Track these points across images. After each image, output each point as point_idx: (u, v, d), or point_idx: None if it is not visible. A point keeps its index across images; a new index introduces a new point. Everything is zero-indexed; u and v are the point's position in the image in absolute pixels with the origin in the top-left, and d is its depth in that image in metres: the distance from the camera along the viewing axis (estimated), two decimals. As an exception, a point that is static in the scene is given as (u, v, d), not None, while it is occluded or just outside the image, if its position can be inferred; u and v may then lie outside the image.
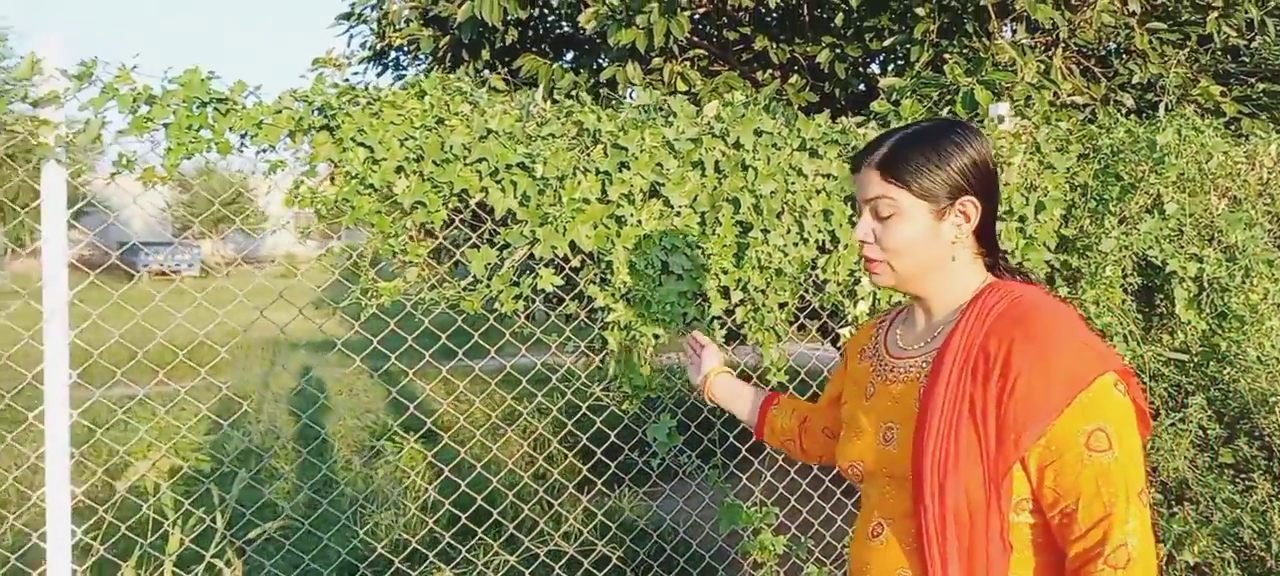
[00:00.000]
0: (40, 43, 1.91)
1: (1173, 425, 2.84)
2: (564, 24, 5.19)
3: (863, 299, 2.79)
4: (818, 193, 2.71)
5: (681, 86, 4.69)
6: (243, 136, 2.06)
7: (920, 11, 3.95)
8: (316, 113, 2.14)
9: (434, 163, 2.24)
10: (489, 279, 2.36)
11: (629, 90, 4.72)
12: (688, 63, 4.76)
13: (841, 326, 2.84)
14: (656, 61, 4.74)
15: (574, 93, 4.69)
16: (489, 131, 2.31)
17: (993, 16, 3.83)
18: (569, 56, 5.58)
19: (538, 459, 5.47)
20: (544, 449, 6.01)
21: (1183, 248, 3.06)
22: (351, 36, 6.16)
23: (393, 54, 6.29)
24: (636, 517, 4.51)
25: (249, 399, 8.45)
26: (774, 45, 4.56)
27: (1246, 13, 4.50)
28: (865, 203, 1.40)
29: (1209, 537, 2.56)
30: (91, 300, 2.38)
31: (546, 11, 5.19)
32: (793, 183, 2.66)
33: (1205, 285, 3.04)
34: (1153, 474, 2.78)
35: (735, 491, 2.85)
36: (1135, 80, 4.55)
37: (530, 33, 5.32)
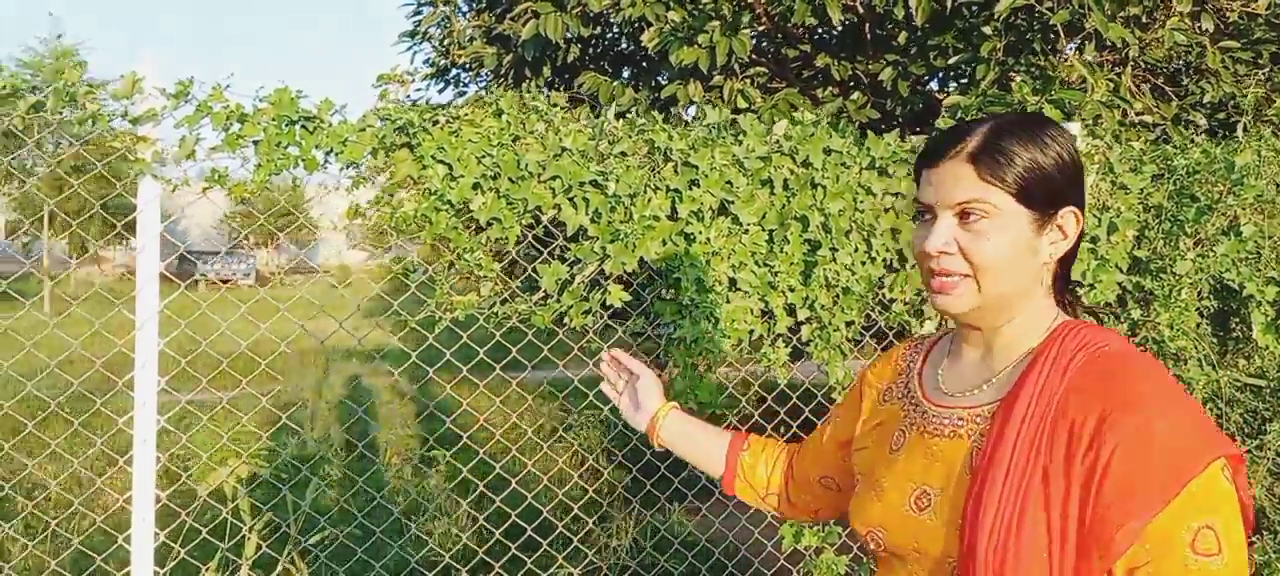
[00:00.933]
0: (143, 63, 1.99)
1: (1249, 452, 2.78)
2: (625, 42, 5.24)
3: (930, 319, 2.78)
4: (886, 211, 2.70)
5: (742, 104, 4.71)
6: (328, 153, 2.12)
7: (987, 30, 3.93)
8: (398, 131, 2.19)
9: (510, 180, 2.28)
10: (559, 294, 2.40)
11: (689, 107, 4.75)
12: (748, 81, 4.78)
13: (908, 346, 2.83)
14: (717, 79, 4.77)
15: (635, 109, 4.74)
16: (563, 149, 2.35)
17: (1062, 35, 3.79)
18: (627, 74, 5.64)
19: (600, 469, 5.51)
20: (591, 461, 6.05)
21: (1260, 270, 2.99)
22: (414, 53, 6.29)
23: (455, 71, 6.41)
24: (699, 533, 4.50)
25: (304, 404, 8.62)
26: (836, 62, 4.56)
27: (1324, 30, 4.39)
28: (950, 206, 1.12)
29: (1290, 569, 2.50)
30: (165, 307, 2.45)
31: (608, 30, 5.25)
32: (861, 201, 2.66)
33: (1285, 309, 2.96)
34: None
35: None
36: (1207, 99, 4.47)
37: (590, 50, 5.39)
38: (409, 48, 6.52)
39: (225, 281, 28.50)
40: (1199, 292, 2.89)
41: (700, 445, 1.55)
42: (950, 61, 4.14)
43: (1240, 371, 3.02)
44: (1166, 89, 4.30)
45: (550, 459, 6.23)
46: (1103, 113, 3.66)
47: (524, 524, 3.07)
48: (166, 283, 2.25)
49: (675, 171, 2.47)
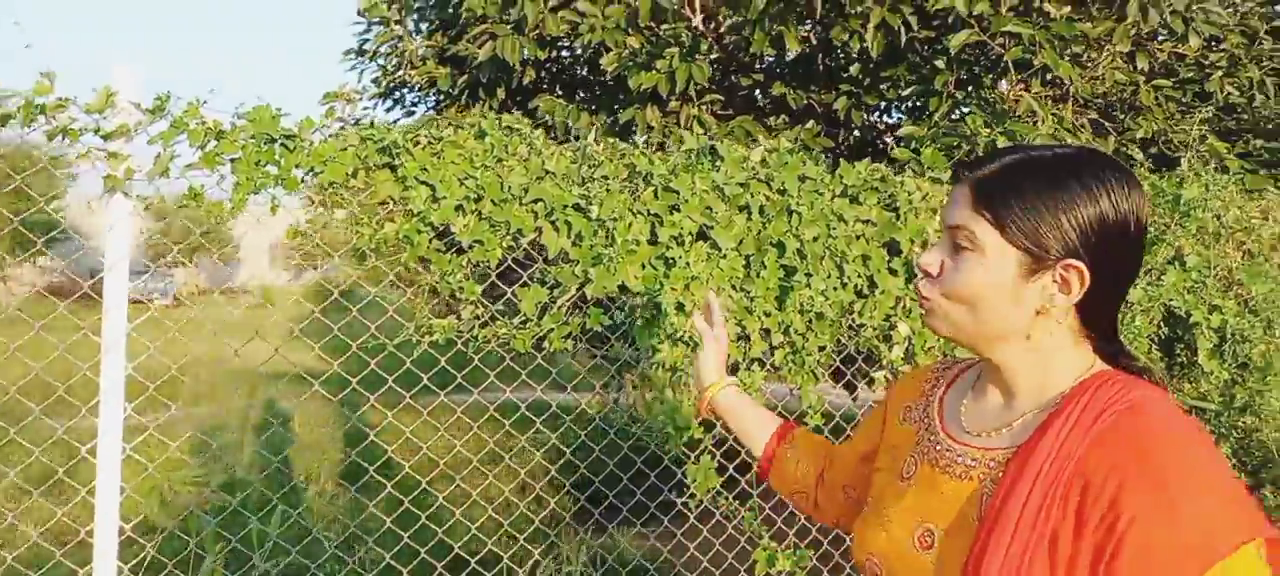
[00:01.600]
0: (117, 76, 1.92)
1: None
2: (581, 67, 5.25)
3: (898, 343, 2.83)
4: (857, 238, 2.75)
5: (697, 130, 4.75)
6: (308, 172, 2.07)
7: (940, 64, 4.04)
8: (380, 151, 2.15)
9: (493, 202, 2.26)
10: (540, 317, 2.37)
11: (646, 133, 4.77)
12: (703, 108, 4.82)
13: (876, 370, 2.87)
14: (673, 105, 4.80)
15: (593, 133, 4.74)
16: (546, 172, 2.33)
17: (1012, 70, 3.92)
18: (581, 98, 5.64)
19: (546, 496, 5.44)
20: (537, 488, 5.98)
21: (1204, 299, 3.13)
22: (361, 71, 6.19)
23: (402, 91, 6.32)
24: (647, 561, 4.48)
25: (229, 430, 8.35)
26: (791, 91, 4.63)
27: (1248, 72, 4.63)
28: (947, 227, 1.08)
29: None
30: (63, 328, 2.32)
31: (564, 54, 5.24)
32: (834, 228, 2.70)
33: (1227, 336, 3.10)
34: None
35: (771, 530, 2.86)
36: (1140, 135, 4.66)
37: (545, 74, 5.38)
38: (354, 66, 6.42)
39: (138, 301, 27.52)
40: (1151, 319, 3.01)
41: (750, 424, 1.55)
42: (904, 93, 4.25)
43: (1186, 394, 3.14)
44: (1105, 124, 4.47)
45: (495, 486, 6.15)
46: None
47: (467, 556, 3.02)
48: (82, 301, 2.17)
49: (655, 196, 2.47)
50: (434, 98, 5.94)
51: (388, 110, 6.23)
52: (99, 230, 2.32)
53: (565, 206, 2.33)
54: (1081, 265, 1.02)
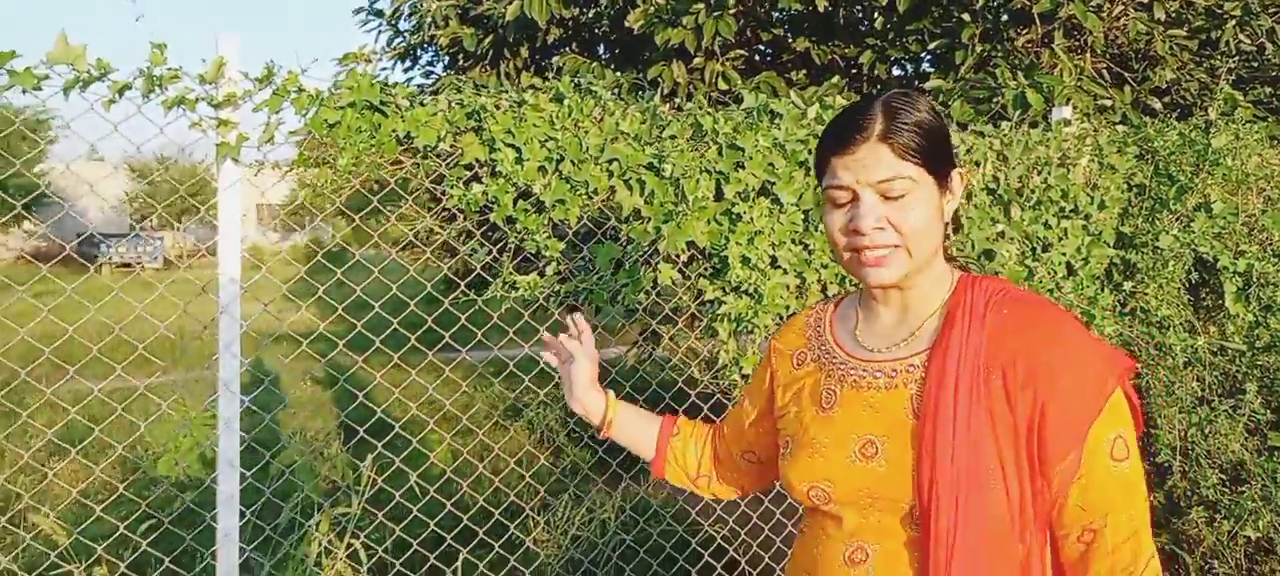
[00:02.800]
0: (225, 45, 1.99)
1: (1228, 411, 3.04)
2: (604, 23, 5.29)
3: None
4: (907, 192, 2.85)
5: (722, 86, 4.83)
6: (404, 137, 2.16)
7: (966, 17, 4.12)
8: (468, 116, 2.24)
9: (572, 163, 2.35)
10: (613, 272, 2.48)
11: (671, 88, 4.84)
12: (727, 63, 4.89)
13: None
14: (698, 61, 4.87)
15: (618, 91, 4.80)
16: (619, 133, 2.43)
17: (1037, 23, 4.00)
18: (602, 56, 5.69)
19: (565, 449, 5.59)
20: (558, 441, 6.12)
21: (1230, 245, 3.26)
22: (379, 32, 6.21)
23: (419, 51, 6.35)
24: (664, 510, 4.63)
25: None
26: (816, 47, 4.71)
27: (1260, 22, 4.73)
28: (871, 185, 1.17)
29: (1272, 515, 2.76)
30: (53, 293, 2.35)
31: (589, 11, 5.28)
32: (885, 182, 2.81)
33: (1252, 279, 3.24)
34: (1213, 458, 2.97)
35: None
36: (1154, 84, 4.77)
37: (569, 31, 5.42)
38: (370, 27, 6.44)
39: (127, 266, 27.35)
40: (1183, 265, 3.14)
41: (638, 432, 1.56)
42: (930, 46, 4.33)
43: (1212, 337, 3.28)
44: (1124, 74, 4.57)
45: (516, 440, 6.28)
46: (1074, 97, 3.90)
47: (491, 508, 3.14)
48: (50, 275, 2.19)
49: (719, 154, 2.57)
50: (449, 57, 5.97)
51: (406, 71, 6.27)
52: (81, 193, 2.40)
53: (639, 166, 2.43)
54: (961, 170, 1.25)
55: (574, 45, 5.37)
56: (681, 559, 3.37)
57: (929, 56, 4.61)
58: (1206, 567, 2.82)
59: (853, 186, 1.19)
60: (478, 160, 2.28)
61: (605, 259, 2.46)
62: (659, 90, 4.77)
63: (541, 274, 2.39)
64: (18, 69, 1.80)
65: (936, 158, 1.19)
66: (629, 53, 5.27)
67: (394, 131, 2.14)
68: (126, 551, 2.48)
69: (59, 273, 2.30)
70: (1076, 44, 4.59)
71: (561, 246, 2.36)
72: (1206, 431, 3.00)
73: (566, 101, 2.37)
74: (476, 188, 2.27)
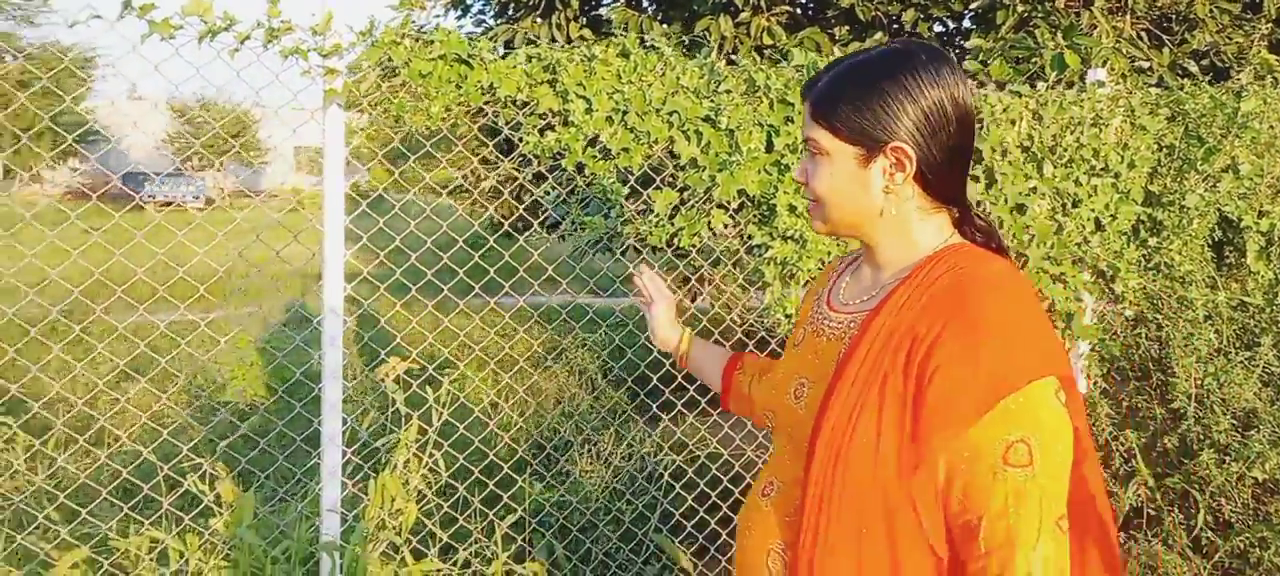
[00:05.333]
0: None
1: (1243, 363, 3.21)
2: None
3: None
4: (945, 147, 3.04)
5: (768, 40, 4.98)
6: (487, 88, 2.37)
7: (1008, -23, 4.25)
8: (544, 69, 2.45)
9: (637, 114, 2.56)
10: (670, 217, 2.70)
11: (718, 43, 5.00)
12: (773, 18, 5.04)
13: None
14: (744, 16, 5.02)
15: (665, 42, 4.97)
16: (680, 87, 2.63)
17: (1078, -15, 4.12)
18: (650, 8, 5.84)
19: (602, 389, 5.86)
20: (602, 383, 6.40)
21: (1254, 205, 3.41)
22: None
23: (467, 3, 6.53)
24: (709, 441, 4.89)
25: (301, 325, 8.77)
26: (859, 3, 4.84)
27: (1302, -15, 4.79)
28: (802, 142, 1.28)
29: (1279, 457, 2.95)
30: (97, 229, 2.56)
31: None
32: (925, 138, 2.99)
33: (1274, 238, 3.39)
34: (1225, 405, 3.15)
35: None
36: (1193, 47, 4.86)
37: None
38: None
39: (168, 204, 27.92)
40: (1208, 223, 3.30)
41: (708, 365, 1.69)
42: (972, 6, 4.46)
43: (1232, 293, 3.45)
44: (1163, 37, 4.67)
45: (558, 381, 6.56)
46: (1111, 58, 4.03)
47: (543, 442, 3.39)
48: (102, 206, 2.36)
49: (770, 108, 2.76)
50: (500, 7, 6.15)
51: (458, 19, 6.46)
52: (124, 131, 2.61)
53: (697, 118, 2.63)
54: (904, 145, 1.19)
55: (623, -3, 5.53)
56: (714, 494, 3.61)
57: (970, 15, 4.73)
58: (1215, 506, 3.02)
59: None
60: (551, 110, 2.50)
61: (664, 203, 2.68)
62: (711, 45, 4.94)
63: (606, 216, 2.61)
64: (157, 19, 2.03)
65: (856, 129, 1.19)
66: (676, 4, 5.43)
67: (479, 82, 2.36)
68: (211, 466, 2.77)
69: (105, 210, 2.49)
70: (1117, 4, 4.69)
71: (625, 191, 2.58)
72: (1222, 381, 3.18)
73: (632, 57, 2.57)
74: (551, 135, 2.49)
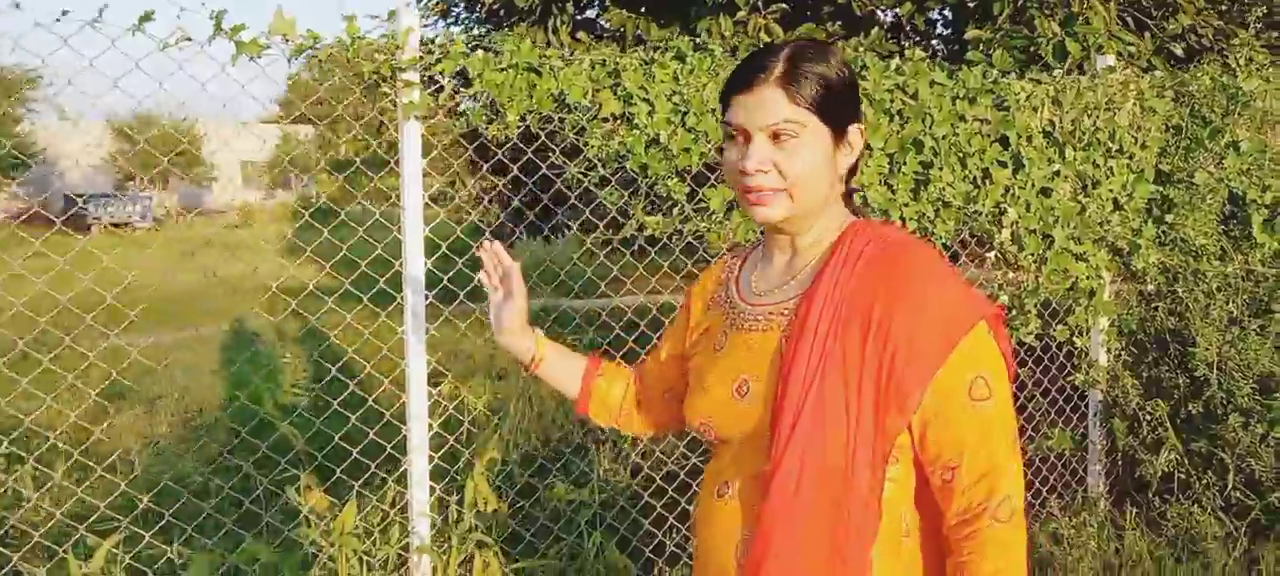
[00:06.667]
0: (405, 16, 2.24)
1: (1257, 330, 3.38)
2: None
3: (1006, 226, 3.26)
4: (975, 135, 3.14)
5: (765, 38, 5.07)
6: (557, 95, 2.42)
7: (1004, -31, 4.38)
8: (608, 74, 2.50)
9: (695, 114, 2.62)
10: (726, 214, 2.77)
11: (718, 43, 5.07)
12: (770, 16, 5.13)
13: (987, 251, 3.31)
14: (741, 15, 5.11)
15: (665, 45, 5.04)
16: (733, 87, 2.69)
17: (1071, -26, 4.27)
18: (643, 10, 5.90)
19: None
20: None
21: (1258, 180, 3.58)
22: (420, -11, 6.38)
23: (453, 7, 6.54)
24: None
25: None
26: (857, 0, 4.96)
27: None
28: (763, 128, 1.22)
29: (1298, 417, 3.11)
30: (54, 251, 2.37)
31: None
32: (957, 127, 3.10)
33: (1278, 211, 3.56)
34: (1245, 371, 3.31)
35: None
36: (1171, 30, 5.06)
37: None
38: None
39: (118, 225, 27.26)
40: (1218, 198, 3.46)
41: (565, 372, 1.58)
42: (969, 1, 4.59)
43: (1239, 264, 3.62)
44: (1147, 22, 4.86)
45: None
46: (1105, 44, 4.18)
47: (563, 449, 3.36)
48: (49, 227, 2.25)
49: (815, 104, 2.84)
50: (489, 13, 6.16)
51: (446, 26, 6.46)
52: (64, 155, 2.53)
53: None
54: (860, 124, 1.29)
55: (623, 2, 5.58)
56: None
57: (970, 7, 4.87)
58: (1242, 465, 3.17)
59: (747, 126, 1.23)
60: (613, 114, 2.55)
61: (719, 201, 2.74)
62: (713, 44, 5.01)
63: (666, 214, 2.67)
64: (245, 39, 2.04)
65: (833, 110, 1.23)
66: (674, 8, 5.49)
67: (549, 90, 2.41)
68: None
69: (49, 236, 2.36)
70: (1100, -7, 4.86)
71: (685, 189, 2.64)
72: (1238, 348, 3.34)
73: (688, 60, 2.63)
74: (616, 140, 2.54)
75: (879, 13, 5.30)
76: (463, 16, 6.45)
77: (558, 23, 5.47)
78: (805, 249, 1.30)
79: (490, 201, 5.72)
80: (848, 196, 1.35)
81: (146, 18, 1.93)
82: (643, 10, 5.62)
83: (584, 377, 1.58)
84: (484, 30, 6.18)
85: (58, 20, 1.87)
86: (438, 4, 6.31)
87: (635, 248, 2.75)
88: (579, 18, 5.80)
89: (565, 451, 3.76)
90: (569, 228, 2.84)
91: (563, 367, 1.57)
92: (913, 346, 1.17)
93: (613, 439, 4.79)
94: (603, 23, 5.65)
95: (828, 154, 1.25)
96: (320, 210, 2.86)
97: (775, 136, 1.22)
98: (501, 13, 5.92)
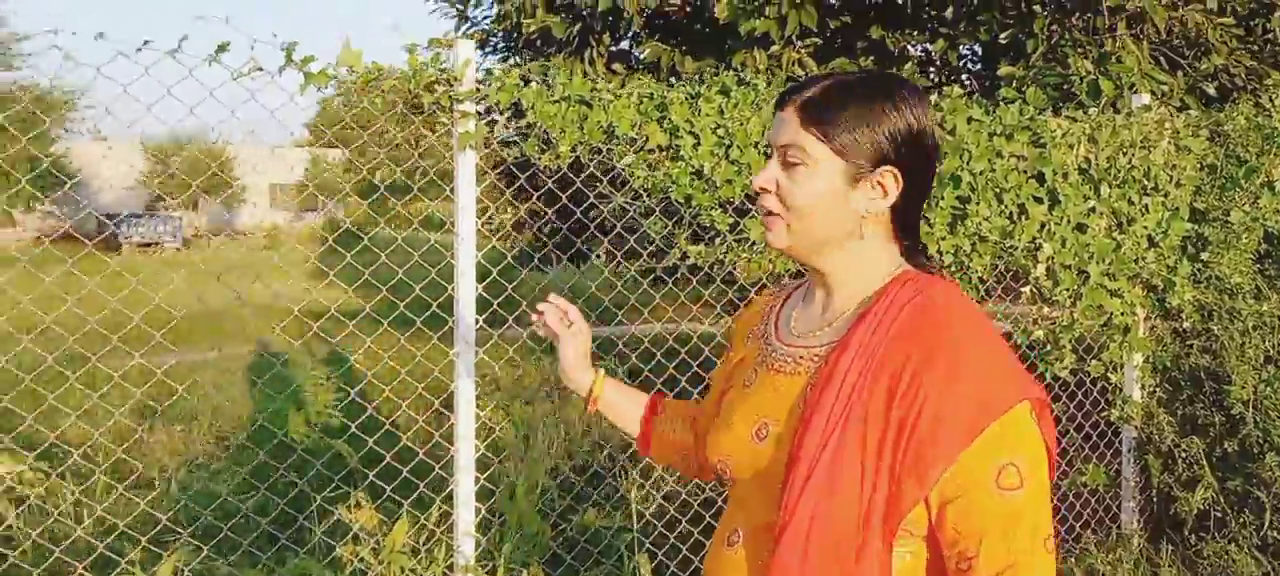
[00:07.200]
0: (460, 49, 2.32)
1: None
2: (689, 11, 5.60)
3: (1042, 261, 3.29)
4: (1012, 171, 3.19)
5: (798, 71, 5.14)
6: (608, 127, 2.49)
7: (1037, 7, 4.44)
8: (656, 107, 2.57)
9: (738, 147, 2.68)
10: (767, 246, 2.82)
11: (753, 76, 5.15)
12: (804, 50, 5.21)
13: (1022, 286, 3.34)
14: (775, 48, 5.19)
15: (702, 77, 5.13)
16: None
17: (1106, 14, 4.32)
18: (676, 43, 6.00)
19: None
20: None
21: (1293, 219, 3.59)
22: (459, 20, 6.53)
23: (491, 37, 6.67)
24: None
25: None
26: (889, 34, 5.03)
27: (1305, 10, 5.04)
28: (777, 147, 1.20)
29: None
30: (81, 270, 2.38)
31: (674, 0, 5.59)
32: (994, 163, 3.14)
33: (1313, 250, 3.58)
34: (1278, 410, 3.31)
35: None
36: (1203, 70, 5.09)
37: (650, 19, 5.73)
38: (434, 11, 6.78)
39: (148, 245, 27.71)
40: (1254, 237, 3.47)
41: (626, 411, 1.57)
42: (1001, 38, 4.65)
43: (1274, 303, 3.62)
44: (1180, 61, 4.89)
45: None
46: (1138, 83, 4.22)
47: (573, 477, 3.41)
48: (81, 245, 2.27)
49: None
50: (527, 44, 6.28)
51: (482, 55, 6.59)
52: (98, 176, 2.57)
53: (793, 150, 2.76)
54: (895, 170, 1.18)
55: (658, 34, 5.68)
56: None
57: (1000, 46, 4.92)
58: (1279, 505, 3.17)
59: (770, 142, 1.22)
60: (659, 145, 2.62)
61: (759, 232, 2.80)
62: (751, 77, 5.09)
63: (709, 243, 2.73)
64: (314, 71, 2.13)
65: (853, 146, 1.16)
66: (709, 41, 5.58)
67: (599, 122, 2.48)
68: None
69: (86, 253, 2.40)
70: (1134, 33, 4.90)
71: (729, 220, 2.70)
72: (1275, 387, 3.34)
73: (733, 94, 2.70)
74: (661, 171, 2.60)
75: (909, 48, 5.37)
76: (500, 46, 6.57)
77: (594, 55, 5.58)
78: (842, 293, 1.24)
79: (537, 229, 5.80)
80: (910, 246, 1.26)
81: (222, 49, 2.02)
82: (679, 43, 5.72)
83: (644, 420, 1.56)
84: (520, 60, 6.29)
85: (97, 37, 1.96)
86: (477, 33, 6.44)
87: (677, 275, 2.80)
88: (614, 50, 5.89)
89: (603, 474, 3.80)
90: (614, 255, 2.90)
91: (623, 407, 1.56)
92: (939, 418, 1.08)
93: (643, 465, 4.84)
94: (636, 55, 5.75)
95: (837, 190, 1.17)
96: (352, 234, 2.92)
97: (786, 161, 1.19)
98: (538, 43, 6.03)
